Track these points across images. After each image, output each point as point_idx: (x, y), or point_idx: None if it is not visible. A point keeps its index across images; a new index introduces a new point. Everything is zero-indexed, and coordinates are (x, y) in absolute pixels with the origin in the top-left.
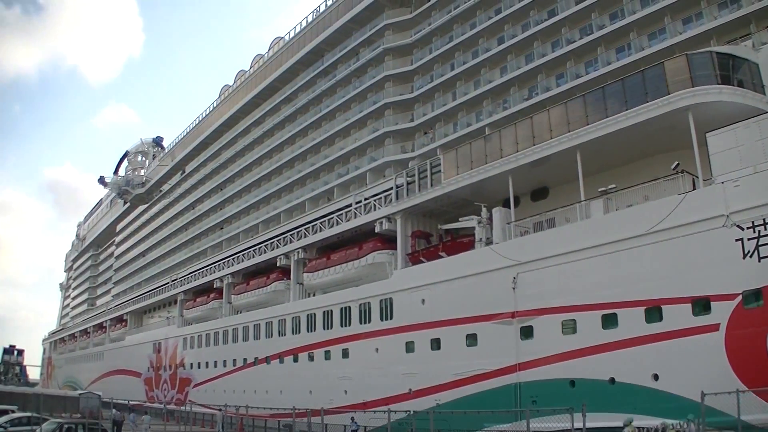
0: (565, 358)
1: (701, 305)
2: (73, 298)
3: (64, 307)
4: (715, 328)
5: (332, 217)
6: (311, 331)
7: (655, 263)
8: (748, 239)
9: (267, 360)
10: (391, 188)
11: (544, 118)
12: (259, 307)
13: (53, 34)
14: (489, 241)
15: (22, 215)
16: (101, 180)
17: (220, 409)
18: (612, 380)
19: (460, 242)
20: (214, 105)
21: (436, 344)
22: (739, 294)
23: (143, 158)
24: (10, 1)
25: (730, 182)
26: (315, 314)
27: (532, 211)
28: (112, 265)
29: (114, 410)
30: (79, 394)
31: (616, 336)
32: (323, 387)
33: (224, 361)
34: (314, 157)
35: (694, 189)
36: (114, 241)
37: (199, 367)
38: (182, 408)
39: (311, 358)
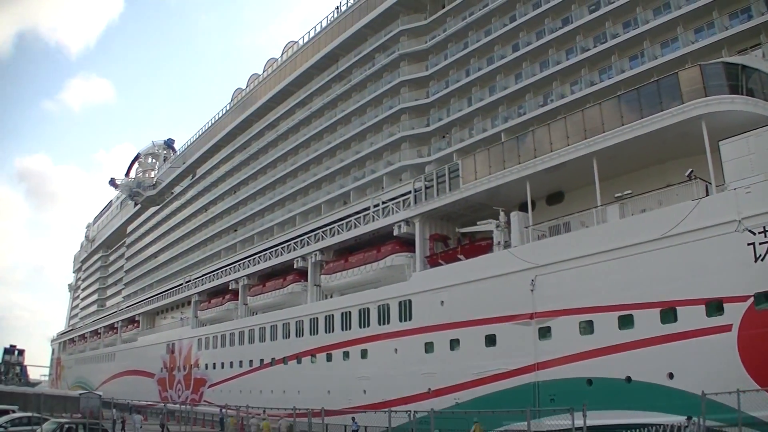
0: (583, 358)
1: (714, 307)
2: (83, 299)
3: (73, 308)
4: (728, 328)
5: (350, 221)
6: (329, 332)
7: (670, 266)
8: (760, 243)
9: (284, 360)
10: (409, 192)
11: (561, 125)
12: (276, 308)
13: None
14: (507, 245)
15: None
16: (112, 182)
17: (221, 409)
18: (628, 379)
19: (478, 245)
20: (227, 108)
21: (455, 345)
22: (751, 296)
23: (153, 160)
24: None
25: (742, 189)
26: (333, 315)
27: (548, 215)
28: (122, 266)
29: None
30: (80, 394)
31: (632, 336)
32: (342, 387)
33: (240, 362)
34: (330, 161)
35: (708, 195)
36: (125, 242)
37: (214, 368)
38: (182, 408)
39: (329, 358)
